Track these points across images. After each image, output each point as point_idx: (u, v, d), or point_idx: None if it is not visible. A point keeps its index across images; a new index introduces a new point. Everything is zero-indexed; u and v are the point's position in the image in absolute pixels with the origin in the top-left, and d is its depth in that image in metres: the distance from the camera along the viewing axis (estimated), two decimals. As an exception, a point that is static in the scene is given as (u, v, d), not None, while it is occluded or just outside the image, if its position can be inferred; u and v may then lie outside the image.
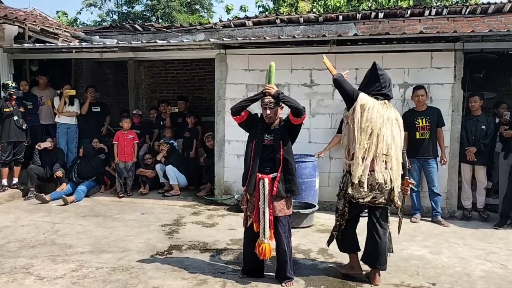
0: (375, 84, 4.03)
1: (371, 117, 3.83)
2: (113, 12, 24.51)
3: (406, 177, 4.07)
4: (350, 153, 3.97)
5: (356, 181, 3.85)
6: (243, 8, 19.23)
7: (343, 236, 4.18)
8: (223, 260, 4.62)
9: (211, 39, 7.45)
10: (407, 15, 9.14)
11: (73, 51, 8.39)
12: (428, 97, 6.31)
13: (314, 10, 14.38)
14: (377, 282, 4.05)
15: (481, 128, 6.36)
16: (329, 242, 4.35)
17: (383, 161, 3.86)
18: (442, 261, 4.67)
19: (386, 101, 4.00)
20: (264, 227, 3.88)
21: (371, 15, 9.29)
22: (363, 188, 3.86)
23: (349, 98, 3.94)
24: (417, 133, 6.21)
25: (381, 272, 4.10)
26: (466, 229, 5.93)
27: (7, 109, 7.38)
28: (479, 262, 4.67)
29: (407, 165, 4.30)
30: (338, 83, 3.99)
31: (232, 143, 7.15)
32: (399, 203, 4.03)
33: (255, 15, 10.65)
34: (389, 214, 4.11)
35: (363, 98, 3.88)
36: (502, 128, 6.24)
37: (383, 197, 3.92)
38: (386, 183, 3.88)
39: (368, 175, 3.85)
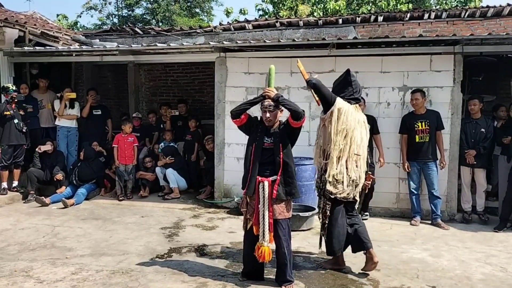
0: (348, 89, 4.35)
1: (347, 120, 4.17)
2: (113, 16, 24.54)
3: (369, 173, 4.47)
4: (326, 153, 4.28)
5: (331, 179, 4.18)
6: (242, 12, 19.26)
7: (336, 234, 4.31)
8: (223, 263, 4.62)
9: (211, 43, 7.46)
10: (407, 19, 9.17)
11: (73, 54, 8.41)
12: (425, 100, 6.32)
13: (314, 13, 14.42)
14: (375, 259, 4.25)
15: (480, 131, 6.37)
16: (320, 244, 4.56)
17: (354, 160, 4.22)
18: (442, 264, 4.67)
19: (357, 105, 4.35)
20: (263, 230, 3.88)
21: (371, 18, 9.31)
22: (340, 184, 4.18)
23: (327, 102, 4.23)
24: (417, 136, 6.22)
25: (381, 274, 4.21)
26: (466, 232, 5.93)
27: (8, 112, 7.40)
28: (479, 265, 4.67)
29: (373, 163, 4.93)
30: (318, 88, 4.20)
31: (232, 146, 7.16)
32: (358, 197, 4.37)
33: (255, 18, 10.69)
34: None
35: (340, 102, 4.21)
36: (506, 140, 6.23)
37: (354, 192, 4.28)
38: (357, 179, 4.24)
39: (343, 172, 4.20)
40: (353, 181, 4.21)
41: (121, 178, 7.71)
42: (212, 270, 4.40)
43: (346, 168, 4.19)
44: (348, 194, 4.21)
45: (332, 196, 4.23)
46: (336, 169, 4.17)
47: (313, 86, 4.21)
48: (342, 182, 4.18)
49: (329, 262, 4.53)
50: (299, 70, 4.39)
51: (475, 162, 6.34)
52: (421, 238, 5.63)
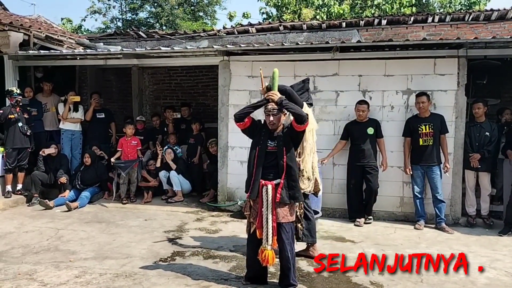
0: (305, 95, 4.83)
1: (312, 121, 4.59)
2: (117, 19, 24.68)
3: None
4: (298, 152, 4.51)
5: (304, 174, 4.53)
6: (246, 15, 19.28)
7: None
8: (226, 266, 4.61)
9: (215, 46, 7.48)
10: (410, 22, 9.16)
11: (78, 58, 8.45)
12: (430, 103, 6.31)
13: (318, 17, 14.43)
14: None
15: (485, 134, 6.34)
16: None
17: (315, 157, 4.70)
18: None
19: (311, 109, 4.83)
20: (267, 234, 3.88)
21: (374, 22, 9.30)
22: (306, 180, 4.56)
23: (299, 106, 4.46)
24: (420, 140, 6.21)
25: (384, 278, 4.23)
26: (470, 236, 5.90)
27: (12, 116, 7.44)
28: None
29: None
30: (291, 93, 4.34)
31: (235, 149, 7.16)
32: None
33: (259, 22, 10.67)
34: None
35: (306, 106, 4.61)
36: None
37: (311, 186, 4.70)
38: (315, 174, 4.67)
39: (310, 168, 4.60)
40: (313, 176, 4.64)
41: (121, 179, 7.69)
42: (215, 273, 4.40)
43: (312, 164, 4.63)
44: (309, 188, 4.63)
45: (302, 191, 4.53)
46: (309, 165, 4.57)
47: (284, 92, 4.23)
48: (309, 177, 4.58)
49: (307, 252, 4.86)
50: (260, 76, 4.24)
51: (479, 166, 6.31)
52: (425, 242, 5.60)
